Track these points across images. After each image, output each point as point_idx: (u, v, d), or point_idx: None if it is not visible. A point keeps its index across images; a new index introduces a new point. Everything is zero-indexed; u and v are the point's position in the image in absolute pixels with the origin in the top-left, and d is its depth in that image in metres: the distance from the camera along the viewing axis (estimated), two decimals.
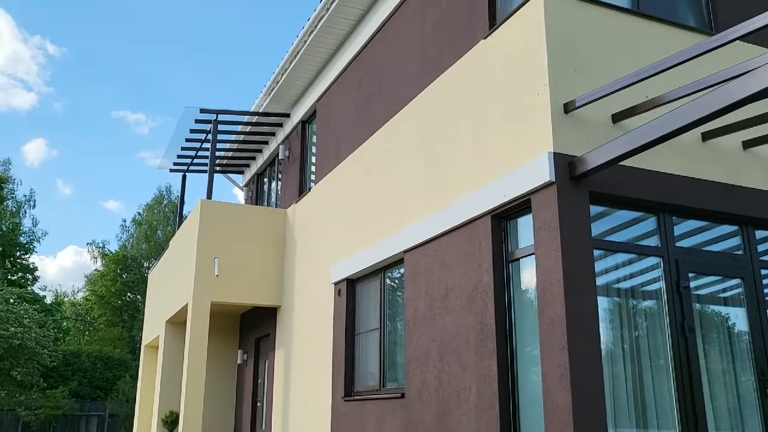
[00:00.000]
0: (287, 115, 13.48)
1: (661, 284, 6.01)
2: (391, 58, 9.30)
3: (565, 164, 5.62)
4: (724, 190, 6.37)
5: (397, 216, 8.34)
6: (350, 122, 10.38)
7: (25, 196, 38.36)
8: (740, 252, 6.52)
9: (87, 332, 38.53)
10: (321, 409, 9.85)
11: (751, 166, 6.64)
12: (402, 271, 8.23)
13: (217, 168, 16.31)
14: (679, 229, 6.25)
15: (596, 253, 5.70)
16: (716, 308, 6.41)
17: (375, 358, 8.77)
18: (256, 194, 16.09)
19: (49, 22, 64.63)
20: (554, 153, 5.62)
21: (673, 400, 5.72)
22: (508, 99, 6.39)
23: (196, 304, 11.71)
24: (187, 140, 14.61)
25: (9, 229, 35.47)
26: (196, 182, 74.57)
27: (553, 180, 5.56)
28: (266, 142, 14.92)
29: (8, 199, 36.71)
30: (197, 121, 13.53)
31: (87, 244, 51.39)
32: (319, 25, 10.55)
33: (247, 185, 16.92)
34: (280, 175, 14.24)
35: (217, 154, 15.29)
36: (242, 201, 17.28)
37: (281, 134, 13.94)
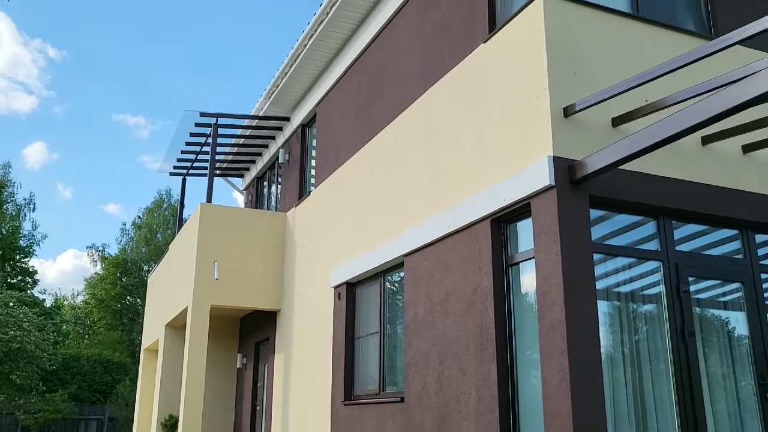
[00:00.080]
0: (287, 119, 13.49)
1: (660, 288, 6.01)
2: (390, 62, 9.31)
3: (564, 168, 5.62)
4: (724, 194, 6.37)
5: (397, 219, 8.34)
6: (350, 126, 10.38)
7: (25, 199, 38.41)
8: (740, 256, 6.52)
9: (86, 336, 38.50)
10: (320, 413, 9.83)
11: (750, 170, 6.64)
12: (402, 274, 8.23)
13: (217, 171, 16.31)
14: (678, 233, 6.25)
15: (596, 257, 5.70)
16: (716, 312, 6.40)
17: (375, 361, 8.75)
18: (256, 198, 16.09)
19: (50, 26, 64.78)
20: (554, 157, 5.62)
21: (673, 404, 5.71)
22: (508, 103, 6.40)
23: (196, 307, 11.70)
24: (187, 144, 14.61)
25: (9, 232, 35.48)
26: (196, 186, 74.76)
27: (553, 184, 5.56)
28: (266, 146, 14.92)
29: (8, 203, 36.71)
30: (197, 125, 13.54)
31: (87, 247, 51.31)
32: (319, 29, 10.57)
33: (246, 189, 16.92)
34: (280, 179, 14.25)
35: (217, 157, 15.29)
36: (242, 204, 17.28)
37: (281, 138, 13.94)
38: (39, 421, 24.92)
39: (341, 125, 10.78)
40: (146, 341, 17.30)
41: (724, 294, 6.43)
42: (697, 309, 6.16)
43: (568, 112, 5.79)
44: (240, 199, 17.61)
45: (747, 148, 6.65)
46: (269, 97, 12.92)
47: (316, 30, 10.67)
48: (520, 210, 6.10)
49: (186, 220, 14.44)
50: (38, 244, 38.80)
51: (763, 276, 6.52)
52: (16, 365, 24.29)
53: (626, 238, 6.09)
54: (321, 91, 11.79)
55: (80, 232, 69.54)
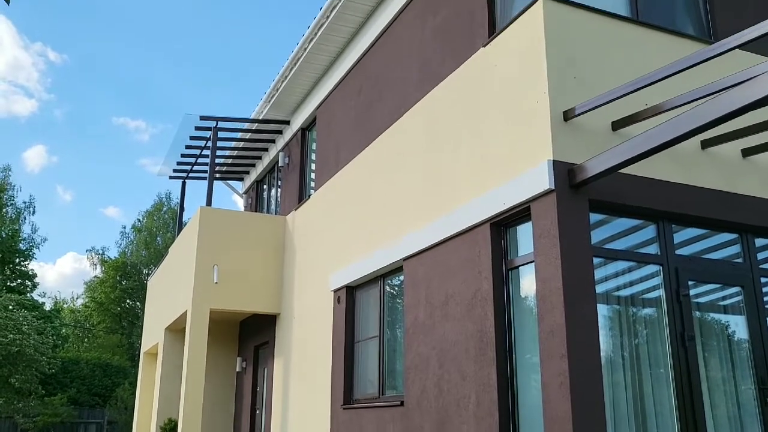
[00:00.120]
0: (287, 123, 13.50)
1: (660, 292, 6.00)
2: (390, 66, 9.32)
3: (564, 172, 5.62)
4: (724, 197, 6.37)
5: (396, 223, 8.34)
6: (350, 129, 10.39)
7: (24, 202, 38.40)
8: (740, 260, 6.51)
9: (86, 339, 38.48)
10: (320, 416, 9.82)
11: (750, 174, 6.64)
12: (401, 278, 8.22)
13: (217, 175, 16.31)
14: (678, 237, 6.25)
15: (596, 260, 5.70)
16: (716, 316, 6.40)
17: (374, 365, 8.74)
18: (256, 201, 16.09)
19: (51, 30, 64.84)
20: (554, 161, 5.62)
21: (673, 409, 5.70)
22: (508, 107, 6.40)
23: (196, 311, 11.69)
24: (187, 147, 14.62)
25: (8, 235, 35.47)
26: (196, 189, 74.89)
27: (553, 188, 5.56)
28: (266, 149, 14.93)
29: (8, 206, 36.71)
30: (197, 128, 13.55)
31: (86, 250, 51.39)
32: (319, 33, 10.58)
33: (246, 192, 16.93)
34: (279, 182, 14.25)
35: (217, 161, 15.30)
36: (242, 208, 17.28)
37: (281, 141, 13.95)
38: (38, 424, 24.87)
39: (341, 129, 10.78)
40: (146, 345, 17.29)
41: (724, 298, 6.42)
42: (697, 313, 6.16)
43: (567, 115, 5.79)
44: (240, 203, 17.63)
45: (747, 152, 6.65)
46: (269, 101, 12.94)
47: (316, 33, 10.68)
48: (520, 214, 6.10)
49: (186, 224, 14.44)
50: (38, 248, 38.88)
51: (763, 280, 6.52)
52: (15, 368, 24.27)
53: (626, 242, 6.09)
54: (321, 95, 11.80)
55: (80, 236, 69.58)
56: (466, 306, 6.58)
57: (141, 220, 40.12)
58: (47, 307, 39.41)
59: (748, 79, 4.27)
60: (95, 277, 38.74)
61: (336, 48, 11.00)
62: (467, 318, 6.53)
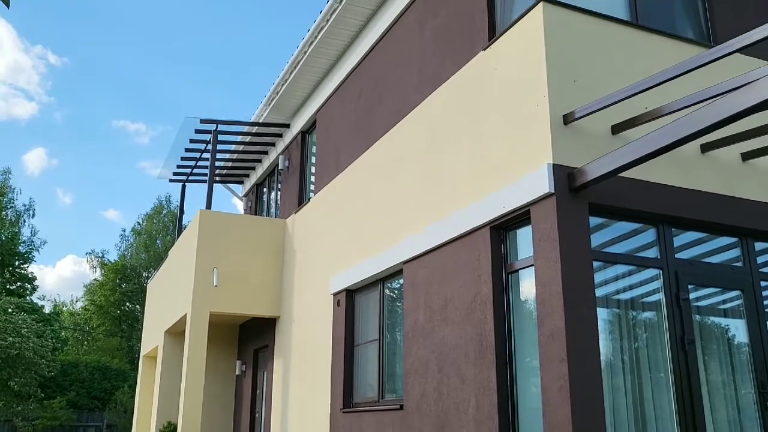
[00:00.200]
0: (287, 126, 13.51)
1: (660, 296, 6.00)
2: (390, 69, 9.32)
3: (564, 176, 5.62)
4: (724, 201, 6.37)
5: (396, 226, 8.33)
6: (350, 132, 10.39)
7: (24, 205, 38.41)
8: (740, 264, 6.51)
9: (85, 342, 38.44)
10: (319, 420, 9.80)
11: (750, 178, 6.65)
12: (401, 281, 8.22)
13: (217, 178, 16.31)
14: (678, 241, 6.25)
15: (596, 264, 5.70)
16: (716, 320, 6.39)
17: (374, 369, 8.73)
18: (256, 204, 16.09)
19: (51, 33, 64.94)
20: (553, 164, 5.62)
21: (673, 413, 5.69)
22: (508, 110, 6.40)
23: (195, 314, 11.68)
24: (187, 150, 14.62)
25: (8, 238, 35.46)
26: (196, 192, 74.94)
27: (553, 191, 5.56)
28: (266, 153, 14.94)
29: (8, 209, 36.71)
30: (197, 131, 13.55)
31: (86, 253, 51.28)
32: (319, 36, 10.59)
33: (246, 195, 16.93)
34: (279, 186, 14.25)
35: (217, 164, 15.31)
36: (242, 211, 17.28)
37: (281, 144, 13.95)
38: (37, 428, 24.85)
39: (341, 132, 10.79)
40: (145, 348, 17.27)
41: (723, 302, 6.42)
42: (697, 317, 6.15)
43: (567, 119, 5.80)
44: (239, 206, 17.63)
45: (746, 156, 6.66)
46: (269, 104, 12.94)
47: (316, 37, 10.70)
48: (519, 217, 6.10)
49: (185, 227, 14.44)
50: (37, 250, 38.84)
51: (763, 284, 6.52)
52: (14, 372, 24.24)
53: (626, 246, 6.09)
54: (321, 98, 11.81)
55: (80, 239, 69.56)
56: (465, 309, 6.58)
57: (141, 223, 40.15)
58: (47, 310, 39.40)
59: (747, 83, 4.27)
60: (95, 280, 38.74)
61: (336, 51, 11.01)
62: (467, 321, 6.52)
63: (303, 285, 11.42)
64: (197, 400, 11.31)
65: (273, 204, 14.87)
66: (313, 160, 12.23)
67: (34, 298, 37.52)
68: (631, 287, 6.03)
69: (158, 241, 38.68)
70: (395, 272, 8.44)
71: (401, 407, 7.54)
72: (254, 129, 13.91)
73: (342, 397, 9.14)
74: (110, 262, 38.55)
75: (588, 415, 5.10)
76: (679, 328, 5.89)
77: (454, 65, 7.57)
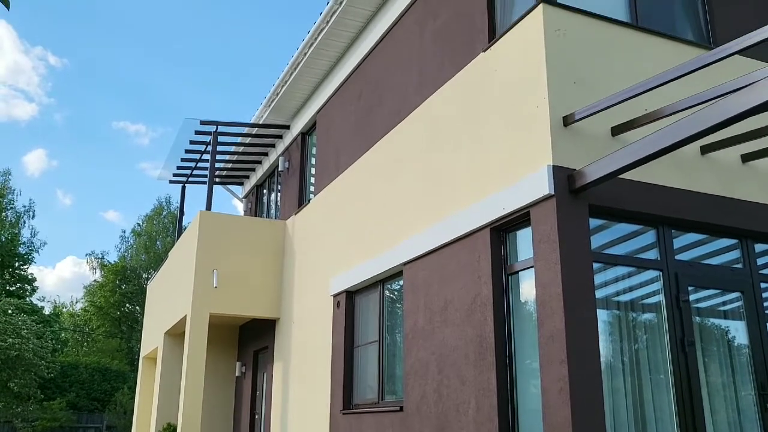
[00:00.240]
0: (287, 127, 13.51)
1: (660, 297, 6.00)
2: (390, 70, 9.33)
3: (564, 177, 5.62)
4: (723, 203, 6.38)
5: (396, 228, 8.33)
6: (350, 134, 10.40)
7: (24, 206, 38.46)
8: (740, 265, 6.51)
9: (85, 343, 38.45)
10: (319, 422, 9.80)
11: (750, 180, 6.65)
12: (401, 283, 8.22)
13: (217, 179, 16.31)
14: (678, 242, 6.25)
15: (596, 266, 5.70)
16: (716, 321, 6.39)
17: (374, 370, 8.73)
18: (256, 206, 16.09)
19: (51, 34, 65.00)
20: (553, 166, 5.62)
21: (673, 414, 5.69)
22: (508, 112, 6.41)
23: (195, 315, 11.68)
24: (187, 151, 14.62)
25: (8, 239, 35.46)
26: (196, 193, 75.01)
27: (553, 193, 5.56)
28: (266, 154, 14.94)
29: (8, 210, 36.72)
30: (197, 133, 13.56)
31: (86, 254, 51.38)
32: (319, 38, 10.60)
33: (246, 197, 16.93)
34: (279, 187, 14.25)
35: (217, 165, 15.30)
36: (241, 212, 17.28)
37: (281, 146, 13.96)
38: (37, 429, 24.84)
39: (341, 133, 10.79)
40: (145, 349, 17.27)
41: (723, 303, 6.42)
42: (697, 318, 6.15)
43: (567, 121, 5.80)
44: (239, 207, 17.62)
45: (746, 158, 6.66)
46: (269, 105, 12.95)
47: (316, 38, 10.70)
48: (519, 219, 6.10)
49: (185, 228, 14.44)
50: (37, 252, 38.88)
51: (763, 285, 6.52)
52: (14, 373, 24.24)
53: (626, 247, 6.09)
54: (321, 100, 11.81)
55: (79, 240, 69.61)
56: (465, 311, 6.58)
57: (141, 224, 40.17)
58: (46, 311, 39.42)
59: (747, 85, 4.28)
60: (95, 281, 38.75)
61: (336, 53, 11.02)
62: (467, 323, 6.52)
63: (303, 286, 11.42)
64: (197, 402, 11.30)
65: (273, 205, 14.87)
66: (313, 161, 12.23)
67: (34, 299, 37.57)
68: (631, 289, 6.03)
69: (158, 243, 38.70)
70: (395, 273, 8.44)
71: (401, 409, 7.54)
72: (254, 130, 13.92)
73: (342, 399, 9.14)
74: (110, 263, 38.55)
75: (588, 416, 5.09)
76: (679, 330, 5.89)
77: (454, 67, 7.58)
